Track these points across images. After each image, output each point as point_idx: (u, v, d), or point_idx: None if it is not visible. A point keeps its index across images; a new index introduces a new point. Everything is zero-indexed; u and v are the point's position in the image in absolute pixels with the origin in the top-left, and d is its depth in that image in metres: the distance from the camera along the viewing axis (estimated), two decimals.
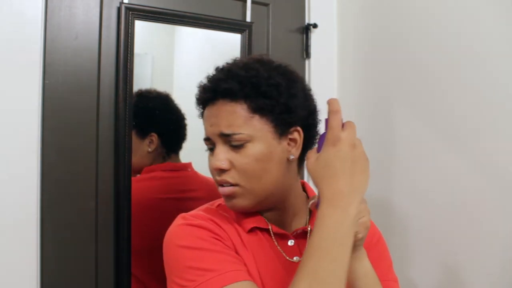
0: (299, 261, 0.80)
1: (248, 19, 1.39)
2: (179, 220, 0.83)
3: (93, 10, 1.16)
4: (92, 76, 1.16)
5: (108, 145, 1.17)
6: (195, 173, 1.36)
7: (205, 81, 0.84)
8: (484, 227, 1.09)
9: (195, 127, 1.37)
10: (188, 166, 1.36)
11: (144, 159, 1.28)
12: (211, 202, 0.92)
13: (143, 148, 1.27)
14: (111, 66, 1.18)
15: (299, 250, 0.86)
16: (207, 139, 0.83)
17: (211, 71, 0.85)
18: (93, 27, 1.16)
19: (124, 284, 1.18)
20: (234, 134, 0.78)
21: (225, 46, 1.44)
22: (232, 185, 0.81)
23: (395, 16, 1.37)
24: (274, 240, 0.86)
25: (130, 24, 1.18)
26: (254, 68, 0.81)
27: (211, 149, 0.83)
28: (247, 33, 1.37)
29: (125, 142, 1.17)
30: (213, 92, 0.81)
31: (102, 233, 1.16)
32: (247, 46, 1.37)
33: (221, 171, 0.81)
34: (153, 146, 1.29)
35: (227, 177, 0.80)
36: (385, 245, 0.94)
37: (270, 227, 0.86)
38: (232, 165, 0.80)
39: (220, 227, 0.83)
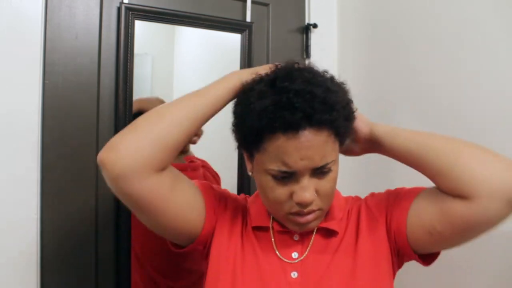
0: (297, 257, 0.82)
1: (248, 19, 1.39)
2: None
3: (93, 10, 1.16)
4: (92, 76, 1.16)
5: None
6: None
7: (285, 101, 0.70)
8: None
9: None
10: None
11: None
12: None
13: None
14: (111, 66, 1.18)
15: (302, 245, 0.83)
16: (286, 172, 0.73)
17: (284, 93, 0.71)
18: (93, 27, 1.16)
19: (124, 284, 1.18)
20: (327, 164, 0.74)
21: (225, 46, 1.44)
22: (314, 211, 0.77)
23: (395, 16, 1.37)
24: (272, 236, 0.84)
25: (130, 24, 1.18)
26: (332, 90, 0.74)
27: (284, 177, 0.74)
28: (247, 33, 1.37)
29: None
30: (303, 119, 0.70)
31: (102, 233, 1.16)
32: (247, 46, 1.37)
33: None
34: None
35: (312, 206, 0.76)
36: (380, 194, 0.89)
37: (271, 225, 0.85)
38: (317, 192, 0.76)
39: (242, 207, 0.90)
